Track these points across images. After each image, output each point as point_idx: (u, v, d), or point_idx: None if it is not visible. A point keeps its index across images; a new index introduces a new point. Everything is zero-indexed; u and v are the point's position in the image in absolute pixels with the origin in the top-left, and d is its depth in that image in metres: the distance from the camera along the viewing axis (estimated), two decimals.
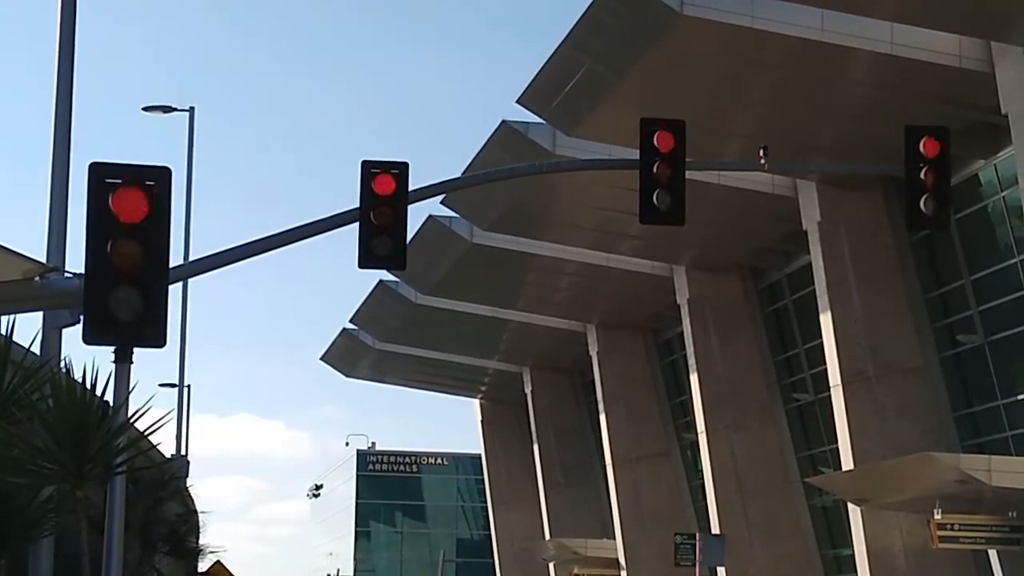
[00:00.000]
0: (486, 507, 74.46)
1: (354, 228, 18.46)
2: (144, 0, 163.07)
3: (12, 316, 13.57)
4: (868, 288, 37.13)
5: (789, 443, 45.23)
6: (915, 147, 19.87)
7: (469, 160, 39.02)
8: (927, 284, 37.70)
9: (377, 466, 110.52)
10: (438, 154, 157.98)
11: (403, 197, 18.48)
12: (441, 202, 42.80)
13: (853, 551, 37.53)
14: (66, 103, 17.39)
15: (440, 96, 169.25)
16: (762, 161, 21.55)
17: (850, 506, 37.15)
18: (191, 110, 40.97)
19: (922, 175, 19.80)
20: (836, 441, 37.72)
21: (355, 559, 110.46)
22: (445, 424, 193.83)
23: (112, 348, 13.72)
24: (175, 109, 40.73)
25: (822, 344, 38.08)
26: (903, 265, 37.68)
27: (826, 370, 38.00)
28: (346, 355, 65.73)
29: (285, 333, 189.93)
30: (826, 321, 37.41)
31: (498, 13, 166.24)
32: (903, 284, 37.56)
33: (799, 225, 38.07)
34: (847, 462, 36.55)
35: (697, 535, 43.47)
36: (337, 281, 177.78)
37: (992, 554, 33.22)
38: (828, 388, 37.93)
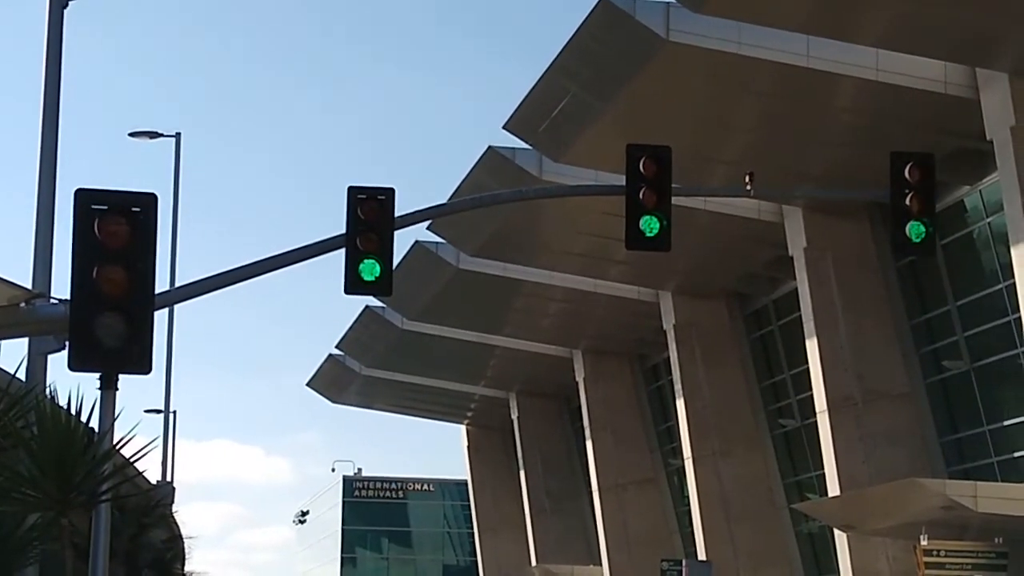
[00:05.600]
0: (472, 533, 74.30)
1: (340, 254, 18.43)
2: (131, 26, 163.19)
3: None
4: (854, 314, 37.16)
5: (775, 469, 45.21)
6: (900, 173, 19.91)
7: (456, 186, 39.07)
8: (913, 310, 37.74)
9: (363, 492, 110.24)
10: (424, 180, 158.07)
11: (389, 223, 18.46)
12: (427, 228, 42.80)
13: None
14: (52, 129, 17.37)
15: (427, 122, 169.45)
16: (748, 187, 21.57)
17: (836, 532, 37.13)
18: (177, 136, 40.91)
19: (908, 201, 19.83)
20: (822, 467, 37.70)
21: None
22: (430, 450, 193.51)
23: (97, 375, 13.68)
24: (161, 135, 40.66)
25: (808, 370, 38.09)
26: (889, 291, 37.74)
27: (812, 396, 38.00)
28: (333, 381, 65.60)
29: (267, 358, 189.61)
30: (812, 347, 37.43)
31: (485, 39, 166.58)
32: (889, 310, 37.61)
33: (785, 251, 38.11)
34: (833, 488, 36.53)
35: (683, 561, 43.44)
36: (323, 307, 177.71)
37: None
38: (814, 414, 37.92)
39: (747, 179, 21.46)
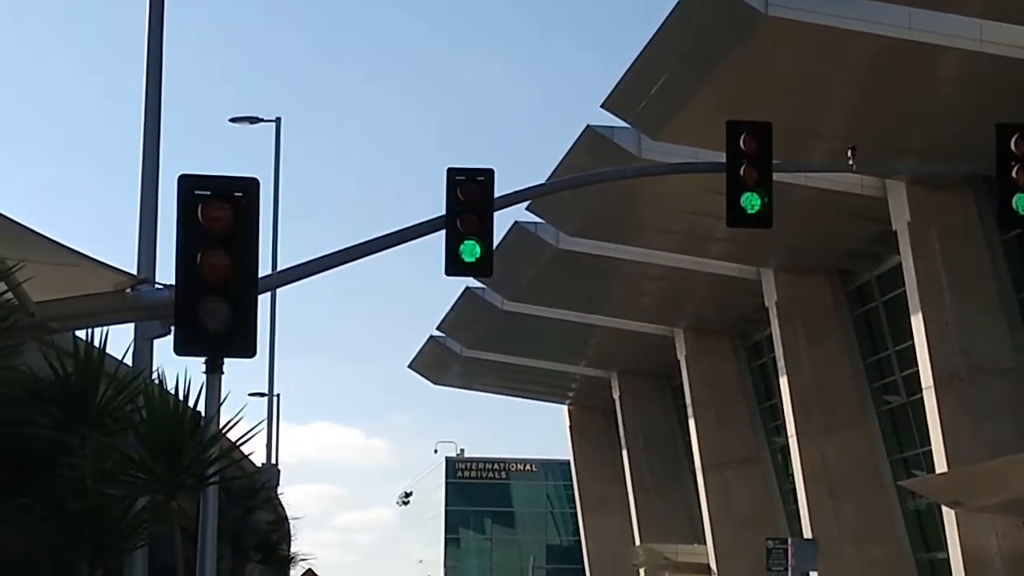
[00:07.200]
0: (575, 513, 74.40)
1: (440, 235, 18.47)
2: (230, 14, 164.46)
3: (105, 328, 13.67)
4: (959, 288, 36.71)
5: (881, 446, 44.81)
6: (1006, 145, 19.66)
7: (554, 166, 38.98)
8: (1019, 283, 37.20)
9: (466, 473, 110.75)
10: (523, 160, 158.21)
11: (489, 204, 18.47)
12: (527, 208, 42.78)
13: (948, 555, 37.12)
14: (154, 116, 17.52)
15: (525, 102, 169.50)
16: (850, 162, 21.42)
17: (944, 509, 36.75)
18: (277, 121, 41.21)
19: (1013, 173, 19.59)
20: (929, 443, 37.32)
21: (445, 566, 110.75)
22: (533, 431, 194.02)
23: (203, 359, 13.79)
24: (261, 120, 40.97)
25: (913, 346, 37.70)
26: (995, 264, 37.23)
27: (918, 372, 37.61)
28: (434, 363, 65.86)
29: (368, 341, 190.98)
30: (917, 322, 37.03)
31: (583, 19, 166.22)
32: (995, 284, 37.11)
33: (888, 226, 37.71)
34: (940, 464, 36.14)
35: (789, 540, 43.17)
36: (424, 289, 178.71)
37: None
38: (920, 390, 37.53)
39: (849, 154, 21.32)
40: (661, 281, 48.04)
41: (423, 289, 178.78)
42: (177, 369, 13.11)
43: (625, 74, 33.53)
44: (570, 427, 70.83)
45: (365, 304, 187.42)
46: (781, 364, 45.29)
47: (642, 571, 62.03)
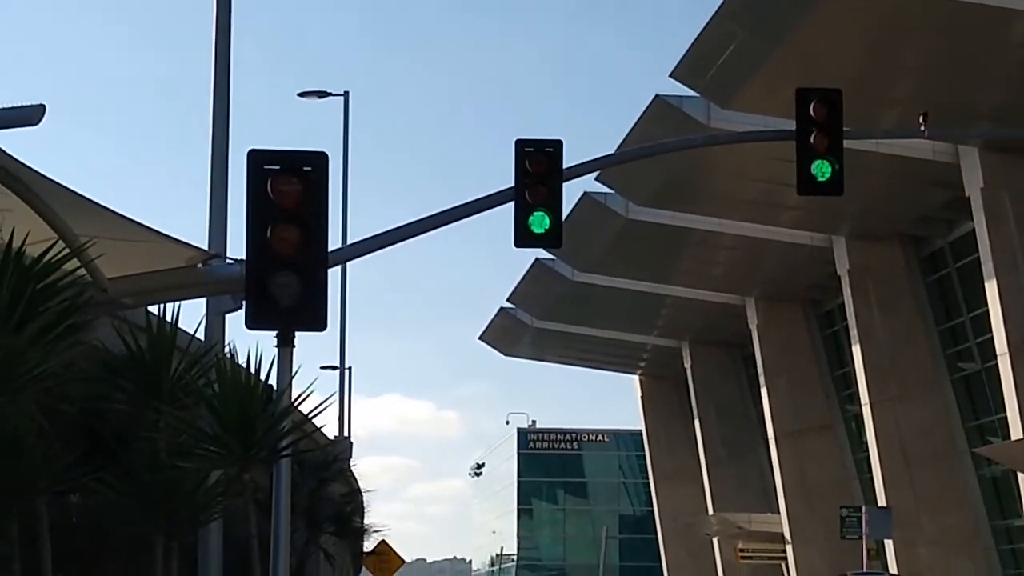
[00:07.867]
0: (648, 483, 74.38)
1: (510, 207, 18.46)
2: None
3: (177, 303, 13.76)
4: None
5: (956, 413, 44.52)
6: None
7: (623, 136, 38.89)
8: None
9: (538, 444, 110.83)
10: (592, 131, 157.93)
11: (558, 175, 18.43)
12: (596, 179, 42.72)
13: None
14: (224, 92, 17.60)
15: (594, 72, 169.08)
16: (922, 128, 21.24)
17: (1020, 476, 36.48)
18: (345, 95, 41.27)
19: None
20: (1004, 410, 37.04)
21: (518, 536, 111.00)
22: (604, 401, 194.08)
23: (274, 333, 13.84)
24: (330, 94, 41.06)
25: (987, 312, 37.39)
26: None
27: (992, 338, 37.30)
28: (504, 334, 65.97)
29: (438, 313, 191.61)
30: (991, 289, 36.71)
31: None
32: None
33: (961, 192, 37.38)
34: (1016, 431, 35.86)
35: (863, 508, 43.03)
36: (494, 261, 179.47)
37: None
38: (995, 356, 37.24)
39: (921, 120, 21.12)
40: (732, 250, 47.86)
41: (493, 261, 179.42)
42: (249, 343, 13.18)
43: (694, 43, 33.39)
44: (641, 397, 70.79)
45: (435, 276, 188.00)
46: (854, 332, 45.03)
47: (715, 540, 61.97)
